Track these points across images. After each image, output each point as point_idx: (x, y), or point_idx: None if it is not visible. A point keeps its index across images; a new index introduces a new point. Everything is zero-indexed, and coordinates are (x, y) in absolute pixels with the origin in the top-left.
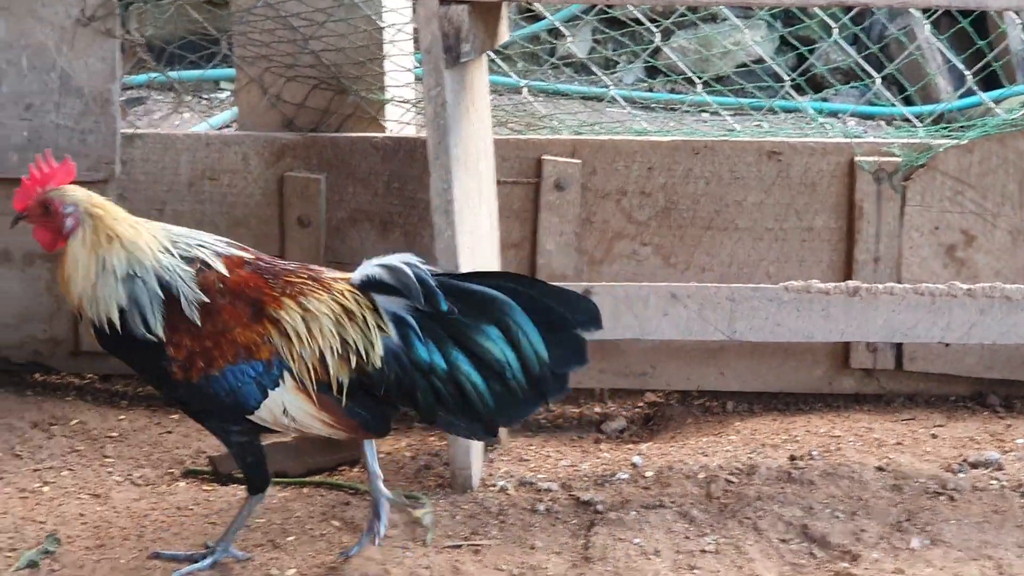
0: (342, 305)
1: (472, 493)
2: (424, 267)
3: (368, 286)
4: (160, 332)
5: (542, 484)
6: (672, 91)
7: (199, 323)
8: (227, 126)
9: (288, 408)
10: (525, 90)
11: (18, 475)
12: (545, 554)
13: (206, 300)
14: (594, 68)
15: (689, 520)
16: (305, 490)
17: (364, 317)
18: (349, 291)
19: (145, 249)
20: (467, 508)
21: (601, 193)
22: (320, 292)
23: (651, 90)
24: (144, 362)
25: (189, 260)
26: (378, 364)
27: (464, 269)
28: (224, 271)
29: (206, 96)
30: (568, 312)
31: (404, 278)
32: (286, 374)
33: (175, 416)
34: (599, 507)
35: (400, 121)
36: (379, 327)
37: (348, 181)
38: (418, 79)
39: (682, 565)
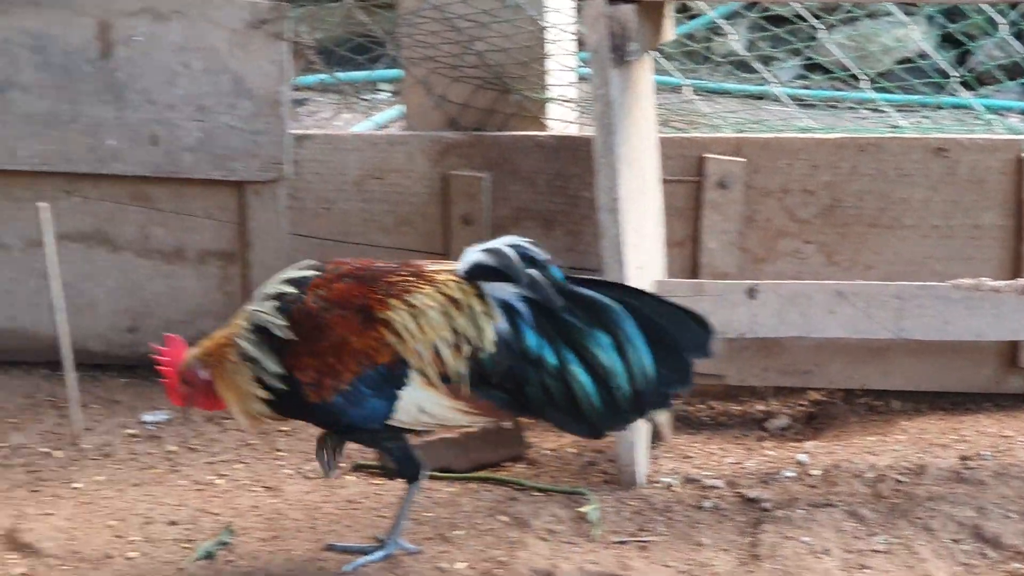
0: (447, 296)
1: (638, 489)
2: (532, 247)
3: (473, 273)
4: (279, 368)
5: (707, 481)
6: (831, 87)
7: (307, 339)
8: (385, 126)
9: (423, 406)
10: (686, 88)
11: (193, 468)
12: (713, 551)
13: (285, 323)
14: (756, 65)
15: (858, 519)
16: (472, 485)
17: (471, 305)
18: (454, 281)
19: (243, 332)
20: (633, 504)
21: (764, 191)
22: (424, 286)
23: (809, 87)
24: (291, 402)
25: (273, 296)
26: (491, 351)
27: (629, 267)
28: (320, 289)
29: (366, 97)
30: (679, 335)
31: (505, 258)
32: (412, 373)
33: None
34: (766, 505)
35: (563, 120)
36: (487, 314)
37: (511, 179)
38: (582, 79)
39: (852, 564)
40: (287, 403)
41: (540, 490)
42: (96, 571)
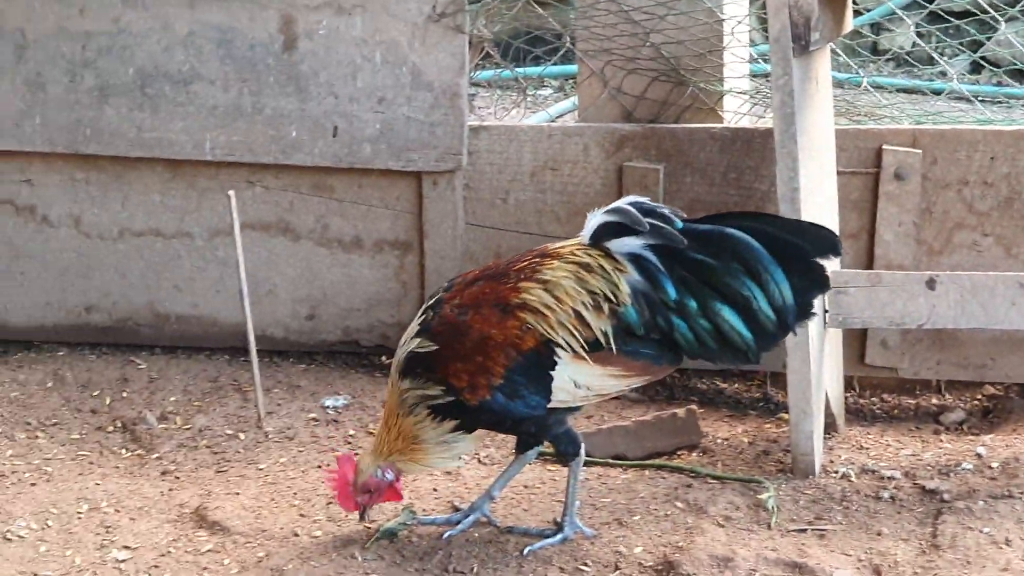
0: (575, 263)
1: (814, 479)
2: (652, 203)
3: (598, 236)
4: (434, 390)
5: (885, 472)
6: (998, 84)
7: (450, 345)
8: (557, 118)
9: (577, 380)
10: (865, 82)
11: None
12: (892, 540)
13: (429, 343)
14: (937, 58)
15: None
16: (647, 472)
17: (600, 265)
18: (580, 249)
19: (400, 396)
20: (809, 493)
21: (942, 183)
22: (551, 262)
23: (978, 83)
24: (454, 412)
25: (420, 329)
26: (628, 303)
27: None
28: (454, 299)
29: (530, 92)
30: (804, 243)
31: (624, 212)
32: (559, 351)
33: None
34: (945, 496)
35: (737, 112)
36: (618, 270)
37: (686, 171)
38: (753, 76)
39: None
40: (466, 418)
41: (715, 478)
42: (283, 548)
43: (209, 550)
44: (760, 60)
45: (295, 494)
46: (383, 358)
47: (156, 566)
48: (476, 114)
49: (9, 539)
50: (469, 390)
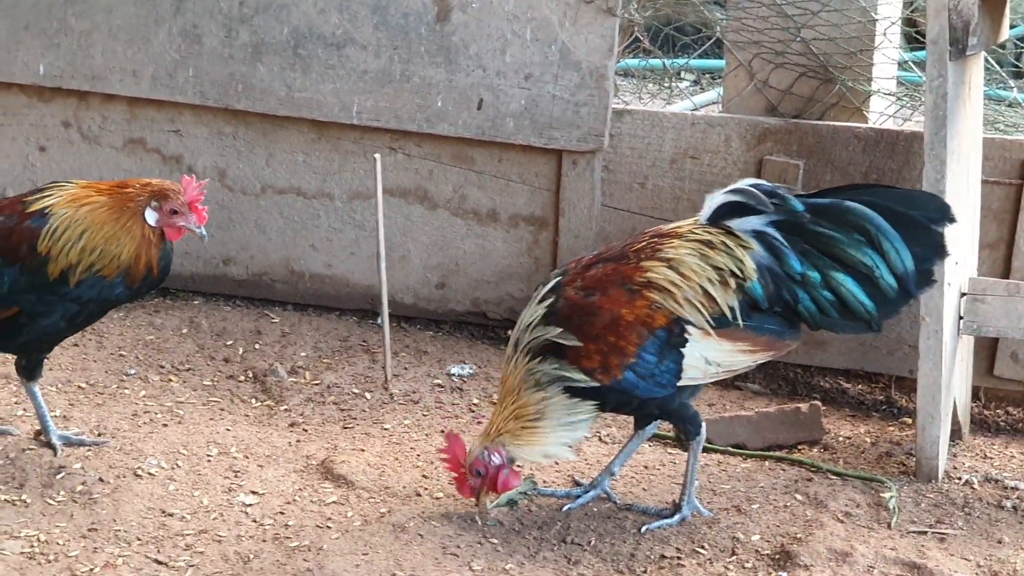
0: (697, 240)
1: (936, 484)
2: (769, 183)
3: (718, 215)
4: (575, 373)
5: (1008, 482)
6: None
7: (581, 327)
8: (699, 108)
9: (708, 356)
10: (1015, 90)
11: None
12: (1013, 550)
13: (570, 336)
14: None
15: None
16: (766, 463)
17: (723, 242)
18: (700, 228)
19: (526, 374)
20: (931, 497)
21: None
22: (671, 240)
23: None
24: (589, 394)
25: (543, 315)
26: (754, 277)
27: (950, 261)
28: (575, 282)
29: (667, 83)
30: (920, 212)
31: (746, 191)
32: (689, 328)
33: None
34: None
35: (883, 113)
36: (742, 246)
37: (826, 169)
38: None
39: None
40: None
41: (837, 474)
42: (405, 506)
43: (334, 501)
44: (911, 64)
45: (418, 456)
46: (510, 332)
47: (281, 513)
48: (619, 98)
49: (140, 476)
50: (601, 371)
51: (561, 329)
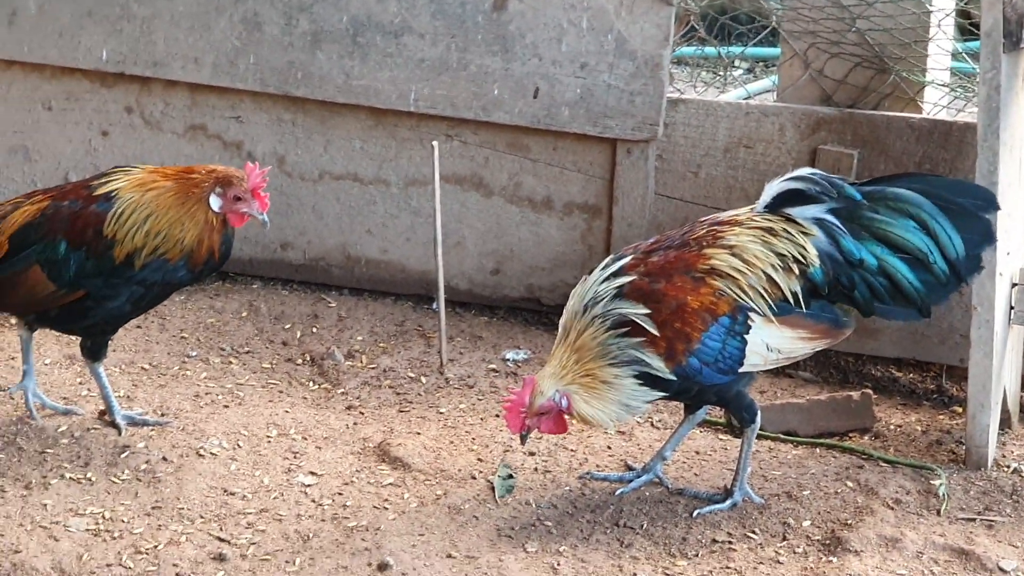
0: (758, 228)
1: (986, 471)
2: (823, 172)
3: (777, 203)
4: (654, 359)
5: None
6: None
7: (653, 315)
8: (750, 98)
9: (769, 343)
10: None
11: None
12: None
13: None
14: None
15: None
16: (818, 450)
17: (785, 229)
18: (759, 216)
19: (603, 347)
20: (980, 485)
21: None
22: (732, 228)
23: None
24: (655, 383)
25: (613, 294)
26: (816, 264)
27: (999, 251)
28: (638, 267)
29: (722, 72)
30: (967, 199)
31: (808, 180)
32: (752, 315)
33: None
34: None
35: (937, 104)
36: (804, 233)
37: (880, 158)
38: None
39: None
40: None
41: (887, 461)
42: (460, 489)
43: (390, 483)
44: (964, 56)
45: (473, 439)
46: None
47: (340, 493)
48: (674, 87)
49: (202, 455)
50: (667, 357)
51: (647, 311)
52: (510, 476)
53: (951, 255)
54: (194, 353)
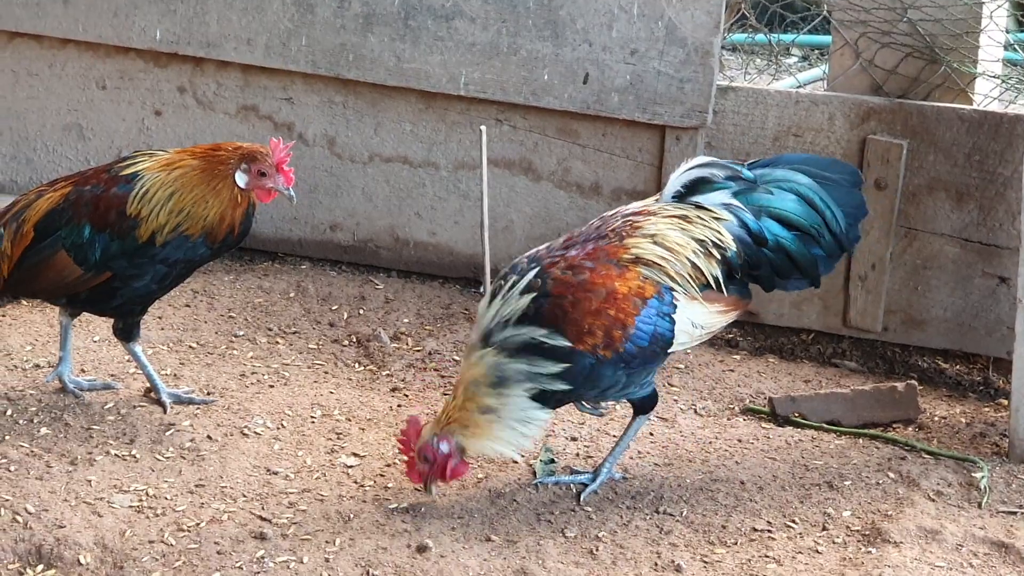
0: (673, 216)
1: None
2: (716, 158)
3: (686, 192)
4: (557, 366)
5: None
6: None
7: (577, 304)
8: (801, 86)
9: (694, 320)
10: None
11: None
12: None
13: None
14: None
15: None
16: (860, 441)
17: (699, 216)
18: (670, 205)
19: (490, 370)
20: (1022, 478)
21: None
22: (647, 217)
23: None
24: (595, 378)
25: (524, 291)
26: (733, 247)
27: None
28: (557, 265)
29: (772, 60)
30: (841, 176)
31: (711, 165)
32: (676, 295)
33: (738, 356)
34: None
35: (988, 95)
36: (716, 218)
37: (929, 149)
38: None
39: None
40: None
41: (930, 453)
42: (501, 472)
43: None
44: (1016, 47)
45: None
46: None
47: (381, 475)
48: (724, 75)
49: (247, 435)
50: (604, 346)
51: (547, 329)
52: (552, 460)
53: (835, 228)
54: (241, 332)
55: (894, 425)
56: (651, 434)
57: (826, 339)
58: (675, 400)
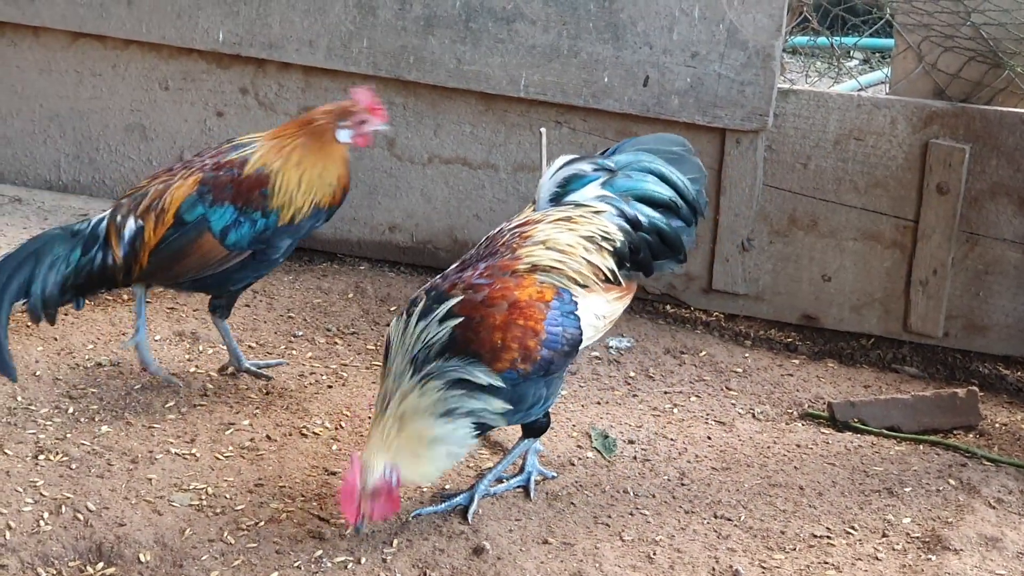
0: (557, 219)
1: None
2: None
3: (559, 194)
4: (497, 382)
5: None
6: None
7: (484, 321)
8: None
9: (596, 311)
10: None
11: (650, 394)
12: None
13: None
14: None
15: None
16: (920, 447)
17: (581, 215)
18: (551, 210)
19: (437, 403)
20: None
21: None
22: (531, 227)
23: None
24: (519, 399)
25: (441, 320)
26: (619, 237)
27: None
28: (456, 287)
29: (834, 63)
30: (678, 148)
31: (577, 161)
32: (575, 290)
33: (796, 360)
34: None
35: None
36: (597, 212)
37: (992, 154)
38: None
39: None
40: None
41: (990, 460)
42: (559, 475)
43: (489, 468)
44: None
45: (573, 426)
46: (667, 306)
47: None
48: (785, 77)
49: (305, 435)
50: (522, 359)
51: (474, 359)
52: (605, 436)
53: (688, 197)
54: (300, 333)
55: (954, 431)
56: (709, 438)
57: (886, 344)
58: (733, 404)
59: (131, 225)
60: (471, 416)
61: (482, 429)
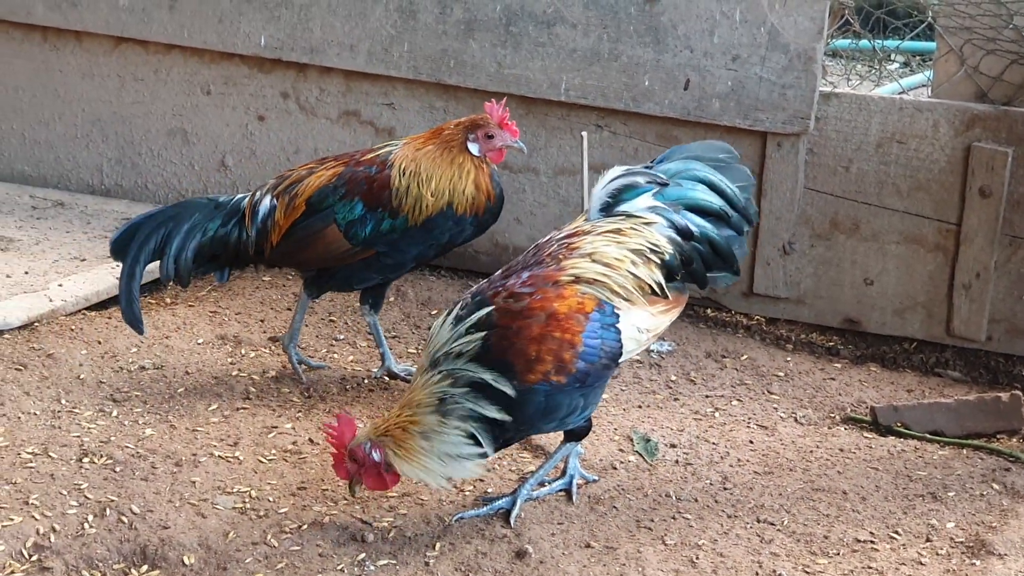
0: (607, 231)
1: None
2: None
3: (610, 204)
4: (503, 414)
5: None
6: None
7: (521, 331)
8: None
9: (639, 325)
10: None
11: (692, 398)
12: None
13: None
14: None
15: None
16: (964, 451)
17: (631, 227)
18: (601, 222)
19: (437, 398)
20: None
21: None
22: (581, 237)
23: None
24: (552, 409)
25: (475, 326)
26: (669, 249)
27: None
28: (500, 295)
29: (875, 66)
30: (724, 156)
31: (629, 173)
32: (618, 303)
33: (838, 364)
34: None
35: None
36: (646, 223)
37: None
38: None
39: None
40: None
41: None
42: (601, 479)
43: (531, 471)
44: None
45: (615, 429)
46: (708, 310)
47: (481, 480)
48: (826, 80)
49: None
50: (556, 372)
51: (496, 373)
52: (647, 440)
53: (739, 205)
54: (342, 336)
55: (998, 436)
56: (751, 442)
57: (929, 348)
58: (775, 408)
59: (266, 203)
60: (469, 420)
61: (484, 439)
